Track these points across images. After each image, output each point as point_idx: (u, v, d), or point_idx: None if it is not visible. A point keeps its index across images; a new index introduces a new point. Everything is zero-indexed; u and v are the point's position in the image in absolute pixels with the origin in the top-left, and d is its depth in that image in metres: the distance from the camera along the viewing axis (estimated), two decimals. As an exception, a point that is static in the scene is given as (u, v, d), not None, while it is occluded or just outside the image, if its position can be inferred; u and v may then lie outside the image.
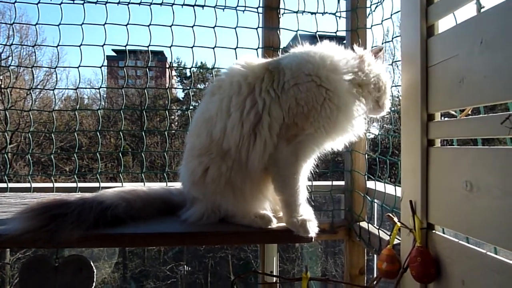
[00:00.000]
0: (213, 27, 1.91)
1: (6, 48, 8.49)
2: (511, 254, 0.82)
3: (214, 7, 1.91)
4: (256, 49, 1.89)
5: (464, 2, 0.98)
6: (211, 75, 1.99)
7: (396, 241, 1.22)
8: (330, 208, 1.93)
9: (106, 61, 1.96)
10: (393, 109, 1.62)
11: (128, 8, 1.90)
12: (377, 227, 1.62)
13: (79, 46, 1.86)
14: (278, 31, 1.88)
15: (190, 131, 1.34)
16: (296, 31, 1.90)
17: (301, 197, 1.21)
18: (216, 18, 1.91)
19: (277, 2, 1.89)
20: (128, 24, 1.89)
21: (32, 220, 1.10)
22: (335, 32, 1.96)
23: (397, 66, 1.44)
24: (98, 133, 2.05)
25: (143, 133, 2.17)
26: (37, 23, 1.87)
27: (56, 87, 1.97)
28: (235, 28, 1.90)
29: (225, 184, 1.20)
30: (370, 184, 1.85)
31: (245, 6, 1.93)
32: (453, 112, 1.09)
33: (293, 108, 1.17)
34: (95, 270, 1.31)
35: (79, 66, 1.90)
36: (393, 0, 1.67)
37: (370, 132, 1.81)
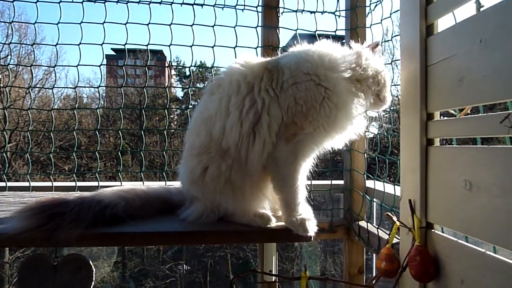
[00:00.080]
0: (212, 26, 1.90)
1: (5, 47, 8.49)
2: (510, 253, 0.82)
3: (213, 6, 1.91)
4: (256, 48, 1.89)
5: (463, 1, 0.98)
6: (210, 74, 1.99)
7: (395, 240, 1.22)
8: (329, 207, 1.93)
9: (105, 60, 1.96)
10: (392, 108, 1.62)
11: (127, 6, 1.90)
12: (376, 226, 1.62)
13: (78, 45, 1.85)
14: (278, 30, 1.87)
15: (189, 130, 1.33)
16: (296, 30, 1.90)
17: (300, 196, 1.21)
18: (215, 17, 1.91)
19: (276, 1, 1.88)
20: (127, 23, 1.88)
21: (31, 219, 1.10)
22: (335, 31, 1.95)
23: (397, 65, 1.44)
24: (97, 132, 2.05)
25: (142, 132, 2.17)
26: (36, 22, 1.86)
27: (55, 86, 1.97)
28: (234, 27, 1.90)
29: (224, 183, 1.20)
30: (369, 183, 1.85)
31: (244, 5, 1.92)
32: (453, 111, 1.09)
33: (292, 107, 1.17)
34: (94, 269, 1.31)
35: (78, 65, 1.90)
36: (392, -1, 1.67)
37: (369, 132, 1.80)
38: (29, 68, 2.06)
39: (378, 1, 1.83)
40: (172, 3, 1.91)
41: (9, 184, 1.81)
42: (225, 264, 9.74)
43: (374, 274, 1.76)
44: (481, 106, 0.96)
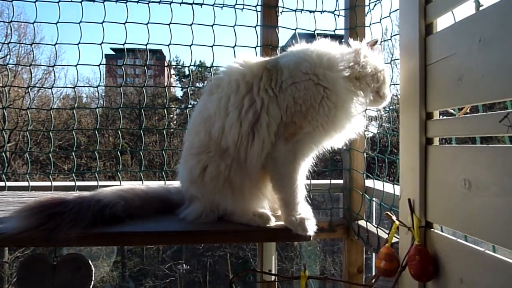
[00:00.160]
0: (212, 25, 1.90)
1: (4, 46, 8.46)
2: (509, 253, 0.82)
3: (212, 5, 1.91)
4: (255, 48, 1.89)
5: (462, 0, 0.98)
6: (210, 73, 1.99)
7: (394, 240, 1.22)
8: (328, 206, 1.93)
9: (104, 59, 1.95)
10: (391, 107, 1.62)
11: (126, 6, 1.89)
12: (376, 226, 1.62)
13: (77, 44, 1.85)
14: (277, 30, 1.87)
15: (189, 130, 1.33)
16: (295, 30, 1.89)
17: (300, 196, 1.21)
18: (215, 16, 1.91)
19: (275, 1, 1.88)
20: (126, 22, 1.88)
21: (30, 218, 1.10)
22: (334, 31, 1.95)
23: (396, 65, 1.44)
24: (96, 132, 2.05)
25: (141, 132, 2.16)
26: (35, 21, 1.86)
27: (55, 86, 1.98)
28: (233, 27, 1.90)
29: (224, 183, 1.20)
30: (369, 183, 1.85)
31: (243, 4, 1.92)
32: (452, 111, 1.09)
33: (291, 107, 1.17)
34: (93, 269, 1.31)
35: (77, 64, 1.90)
36: (391, -2, 1.67)
37: (368, 131, 1.80)
38: (28, 67, 2.05)
39: (377, 0, 1.83)
40: (171, 2, 1.90)
41: (8, 183, 1.81)
42: (225, 264, 9.74)
43: (373, 274, 1.76)
44: (480, 105, 0.96)
